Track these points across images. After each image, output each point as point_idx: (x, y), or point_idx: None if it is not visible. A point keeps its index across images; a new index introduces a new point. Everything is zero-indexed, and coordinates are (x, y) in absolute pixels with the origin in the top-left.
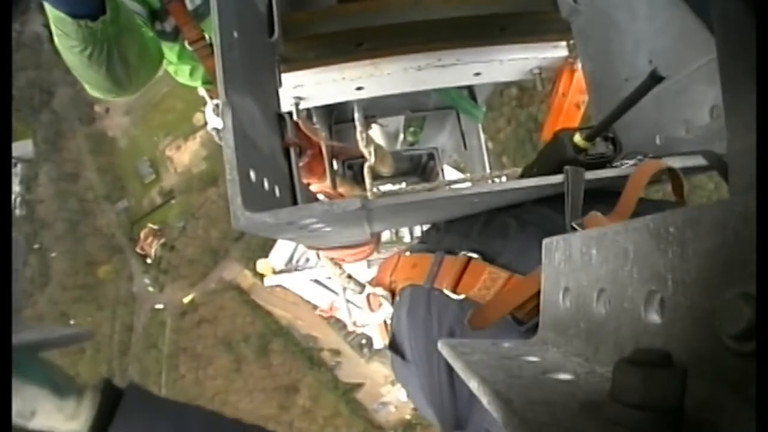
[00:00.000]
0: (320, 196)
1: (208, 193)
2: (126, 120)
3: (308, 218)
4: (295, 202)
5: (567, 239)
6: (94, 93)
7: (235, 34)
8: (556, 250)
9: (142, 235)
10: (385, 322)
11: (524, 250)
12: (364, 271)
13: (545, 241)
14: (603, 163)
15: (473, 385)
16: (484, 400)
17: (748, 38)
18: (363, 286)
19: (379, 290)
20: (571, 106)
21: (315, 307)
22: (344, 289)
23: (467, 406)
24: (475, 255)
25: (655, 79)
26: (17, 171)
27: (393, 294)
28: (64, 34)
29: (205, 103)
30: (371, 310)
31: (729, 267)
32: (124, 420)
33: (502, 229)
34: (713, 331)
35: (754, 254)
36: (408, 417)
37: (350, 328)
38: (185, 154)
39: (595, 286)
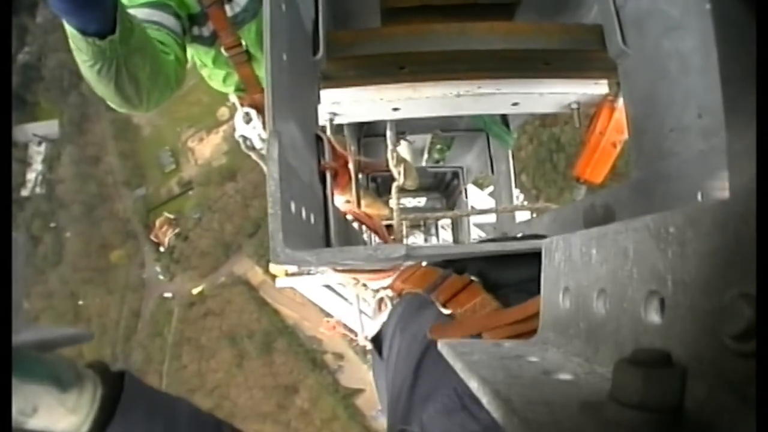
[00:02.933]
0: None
1: (225, 188)
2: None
3: (350, 261)
4: (326, 227)
5: (567, 239)
6: (109, 104)
7: (285, 57)
8: (556, 250)
9: (157, 223)
10: None
11: (523, 288)
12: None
13: (545, 241)
14: None
15: (473, 385)
16: (484, 400)
17: (748, 38)
18: (377, 291)
19: (389, 293)
20: (608, 145)
21: (327, 314)
22: (358, 298)
23: (420, 407)
24: (476, 279)
25: None
26: (41, 150)
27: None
28: (77, 49)
29: (232, 104)
30: (378, 311)
31: (729, 267)
32: (124, 415)
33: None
34: (713, 331)
35: (754, 254)
36: None
37: (361, 342)
38: (207, 147)
39: (595, 286)
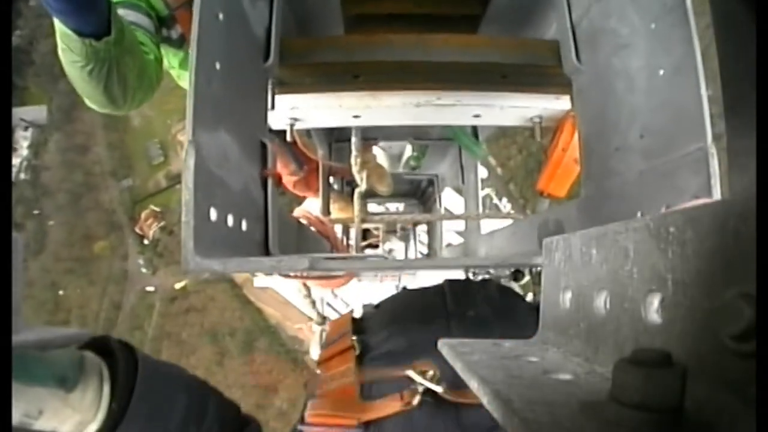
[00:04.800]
0: (302, 220)
1: None
2: None
3: (257, 271)
4: (266, 233)
5: (567, 239)
6: (89, 105)
7: (218, 65)
8: (556, 250)
9: (142, 215)
10: None
11: (387, 351)
12: (356, 287)
13: (545, 241)
14: None
15: (473, 384)
16: (484, 400)
17: (748, 38)
18: (324, 319)
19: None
20: (570, 161)
21: (306, 315)
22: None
23: None
24: (357, 345)
25: None
26: (27, 135)
27: None
28: (68, 49)
29: None
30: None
31: (729, 267)
32: (132, 415)
33: (382, 345)
34: (713, 331)
35: (754, 254)
36: None
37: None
38: None
39: (595, 286)
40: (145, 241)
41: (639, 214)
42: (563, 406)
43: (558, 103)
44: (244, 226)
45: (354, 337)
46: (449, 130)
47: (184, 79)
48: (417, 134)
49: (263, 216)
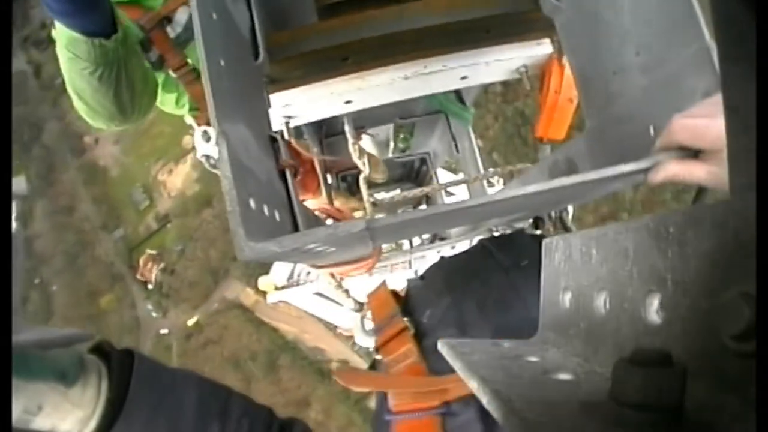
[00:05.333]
0: (318, 213)
1: (203, 215)
2: (116, 149)
3: (313, 243)
4: (295, 224)
5: (567, 239)
6: (96, 122)
7: (222, 62)
8: (556, 250)
9: (141, 261)
10: None
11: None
12: (367, 281)
13: (545, 241)
14: None
15: (473, 384)
16: (484, 400)
17: (748, 38)
18: (361, 305)
19: (369, 318)
20: (564, 102)
21: (328, 324)
22: (341, 305)
23: None
24: (410, 326)
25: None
26: (12, 208)
27: None
28: (75, 56)
29: (189, 125)
30: (364, 330)
31: (729, 267)
32: (129, 412)
33: (440, 317)
34: (713, 331)
35: (754, 254)
36: None
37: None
38: (177, 178)
39: (595, 286)
40: (149, 286)
41: (651, 130)
42: (563, 406)
43: (540, 49)
44: (277, 216)
45: (405, 319)
46: (435, 102)
47: (168, 103)
48: (403, 114)
49: (289, 207)
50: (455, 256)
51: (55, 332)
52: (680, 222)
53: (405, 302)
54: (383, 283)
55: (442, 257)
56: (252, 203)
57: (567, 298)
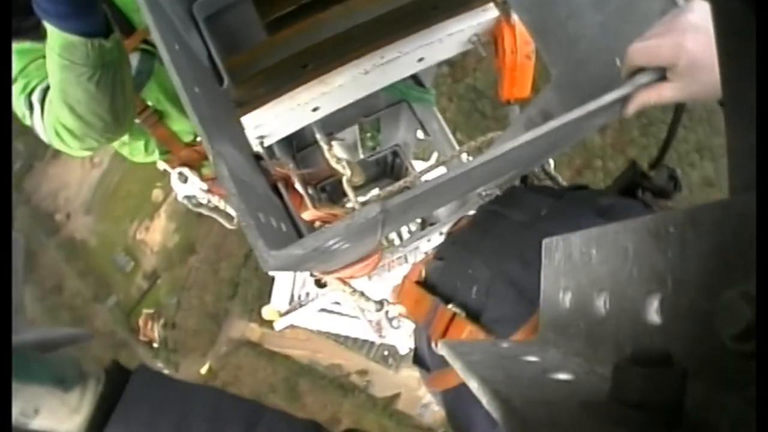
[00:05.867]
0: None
1: (189, 262)
2: (89, 219)
3: (333, 238)
4: (299, 234)
5: (567, 239)
6: (86, 141)
7: (197, 89)
8: (556, 250)
9: (140, 323)
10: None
11: (502, 315)
12: (367, 286)
13: (545, 241)
14: (661, 194)
15: (473, 385)
16: (484, 400)
17: (748, 38)
18: (381, 303)
19: (399, 308)
20: (523, 59)
21: (338, 338)
22: (363, 310)
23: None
24: (459, 310)
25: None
26: None
27: None
28: (72, 63)
29: (163, 176)
30: (390, 326)
31: (729, 267)
32: (125, 413)
33: (490, 289)
34: (713, 331)
35: (754, 254)
36: None
37: (378, 340)
38: (156, 233)
39: (595, 286)
40: (155, 345)
41: (617, 62)
42: (563, 406)
43: (487, 14)
44: (283, 227)
45: (449, 306)
46: (395, 92)
47: (137, 152)
48: (366, 111)
49: (289, 218)
50: (463, 229)
51: (55, 332)
52: (680, 222)
53: (435, 289)
54: (405, 280)
55: (448, 235)
56: (261, 216)
57: (567, 298)
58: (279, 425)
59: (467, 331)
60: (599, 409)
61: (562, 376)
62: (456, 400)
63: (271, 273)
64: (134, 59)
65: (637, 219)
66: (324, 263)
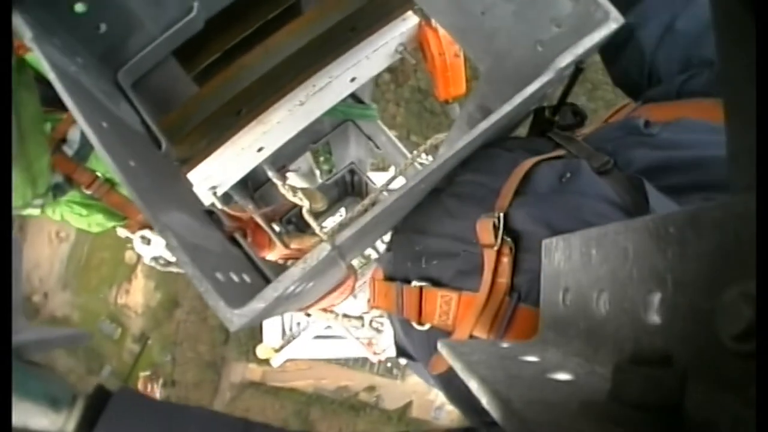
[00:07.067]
0: (282, 262)
1: (176, 317)
2: (66, 295)
3: (292, 285)
4: (265, 279)
5: (567, 239)
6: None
7: (132, 163)
8: (556, 250)
9: (140, 387)
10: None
11: (457, 270)
12: (353, 305)
13: (545, 242)
14: (570, 129)
15: (473, 385)
16: (484, 400)
17: (748, 38)
18: (361, 319)
19: (376, 312)
20: (452, 59)
21: (339, 361)
22: (349, 330)
23: None
24: (424, 283)
25: (579, 69)
26: None
27: None
28: None
29: (129, 240)
30: (376, 331)
31: (729, 267)
32: (108, 421)
33: (436, 253)
34: (713, 331)
35: (754, 254)
36: None
37: (374, 359)
38: (137, 294)
39: (595, 286)
40: None
41: (538, 47)
42: (563, 406)
43: (407, 23)
44: (246, 278)
45: (413, 284)
46: (337, 113)
47: (97, 223)
48: (314, 138)
49: (253, 266)
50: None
51: (55, 332)
52: (680, 222)
53: (394, 278)
54: (370, 281)
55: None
56: (219, 276)
57: (567, 298)
58: None
59: (439, 297)
60: (599, 409)
61: (562, 376)
62: (451, 375)
63: None
64: (76, 131)
65: (637, 219)
66: (295, 304)
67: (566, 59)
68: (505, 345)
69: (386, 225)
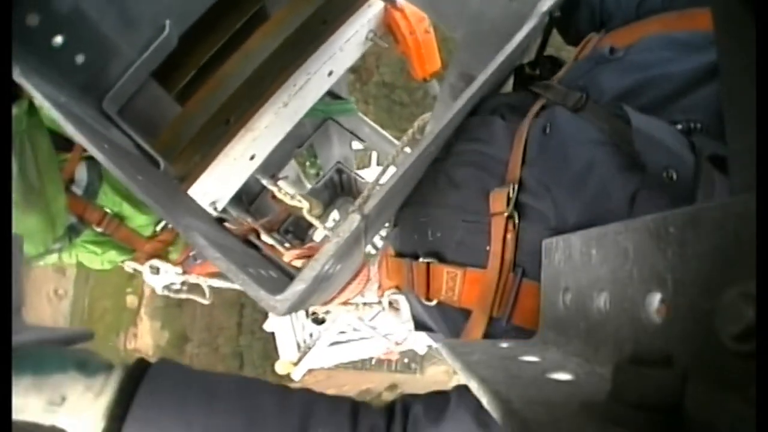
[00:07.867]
0: (296, 262)
1: (188, 351)
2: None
3: (327, 262)
4: (288, 275)
5: (567, 239)
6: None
7: (140, 177)
8: (556, 250)
9: None
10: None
11: (457, 241)
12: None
13: (545, 242)
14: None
15: (473, 385)
16: (484, 400)
17: (748, 38)
18: (380, 302)
19: (391, 292)
20: (423, 35)
21: (356, 364)
22: (374, 328)
23: None
24: (429, 259)
25: (553, 19)
26: None
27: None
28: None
29: (131, 279)
30: (395, 312)
31: (729, 267)
32: (148, 394)
33: (439, 224)
34: (713, 332)
35: (754, 254)
36: None
37: (396, 350)
38: (146, 336)
39: (595, 286)
40: None
41: (513, 3)
42: (563, 406)
43: (373, 9)
44: (272, 274)
45: (420, 260)
46: (317, 113)
47: (110, 260)
48: (298, 142)
49: (272, 264)
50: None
51: (55, 331)
52: (680, 222)
53: (403, 253)
54: (381, 258)
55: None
56: (251, 270)
57: (567, 298)
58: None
59: (445, 273)
60: (599, 409)
61: (562, 376)
62: None
63: (269, 329)
64: (82, 170)
65: (637, 219)
66: (324, 292)
67: (547, 3)
68: (505, 345)
69: (400, 196)
